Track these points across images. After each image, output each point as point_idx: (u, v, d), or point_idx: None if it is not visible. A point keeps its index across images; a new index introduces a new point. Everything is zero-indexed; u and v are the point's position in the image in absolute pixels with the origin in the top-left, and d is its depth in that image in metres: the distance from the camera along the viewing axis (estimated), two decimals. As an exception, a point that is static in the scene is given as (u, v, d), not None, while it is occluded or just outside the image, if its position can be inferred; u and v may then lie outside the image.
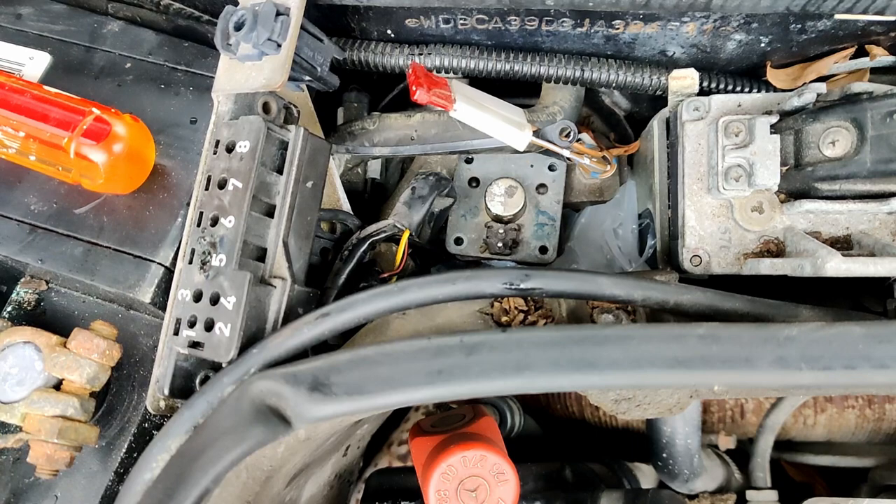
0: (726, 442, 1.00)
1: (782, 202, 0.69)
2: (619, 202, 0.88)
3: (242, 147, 0.64)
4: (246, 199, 0.62)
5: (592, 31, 0.78)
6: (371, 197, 0.96)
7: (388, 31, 0.82)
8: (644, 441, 0.91)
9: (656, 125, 0.81)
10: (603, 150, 0.87)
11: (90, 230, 0.75)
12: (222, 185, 0.64)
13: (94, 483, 0.70)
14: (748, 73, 0.82)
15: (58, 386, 0.68)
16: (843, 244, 0.69)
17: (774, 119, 0.68)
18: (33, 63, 0.84)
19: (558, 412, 1.05)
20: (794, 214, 0.69)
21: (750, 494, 0.92)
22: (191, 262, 0.63)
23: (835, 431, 0.97)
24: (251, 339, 0.61)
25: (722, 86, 0.81)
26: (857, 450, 1.02)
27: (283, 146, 0.66)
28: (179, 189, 0.76)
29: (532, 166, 0.89)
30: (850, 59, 0.76)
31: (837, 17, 0.70)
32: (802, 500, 0.80)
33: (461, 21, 0.78)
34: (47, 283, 0.77)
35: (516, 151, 0.80)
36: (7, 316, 0.75)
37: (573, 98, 0.86)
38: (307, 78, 0.74)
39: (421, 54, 0.81)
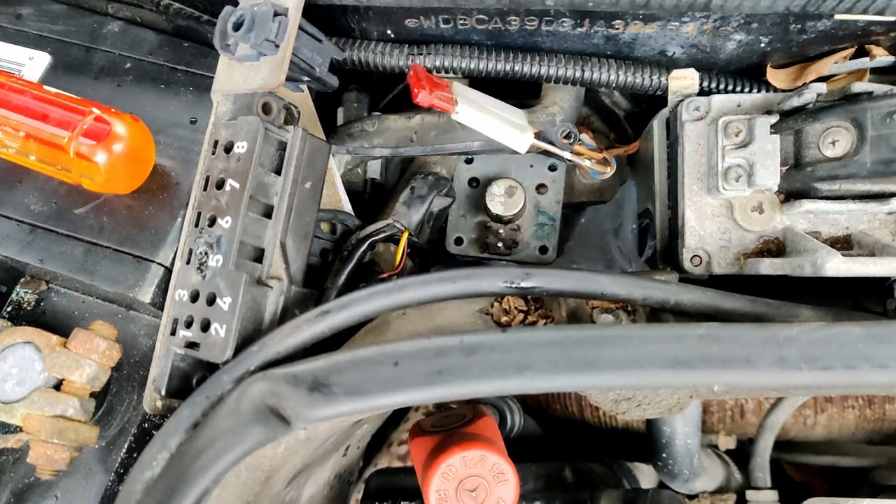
0: (726, 442, 1.00)
1: (782, 202, 0.69)
2: (619, 202, 0.89)
3: (240, 147, 0.63)
4: (243, 199, 0.62)
5: (592, 31, 0.78)
6: (371, 197, 0.96)
7: (388, 31, 0.82)
8: (644, 441, 0.91)
9: (656, 125, 0.81)
10: (603, 151, 0.86)
11: (90, 230, 0.75)
12: (220, 185, 0.63)
13: (94, 483, 0.71)
14: (748, 73, 0.82)
15: (58, 386, 0.68)
16: (843, 244, 0.69)
17: (774, 119, 0.68)
18: (33, 63, 0.84)
19: (558, 412, 1.05)
20: (793, 214, 0.69)
21: (750, 494, 0.92)
22: (188, 263, 0.63)
23: (835, 431, 0.97)
24: (247, 339, 0.61)
25: (722, 86, 0.81)
26: (857, 450, 1.02)
27: (282, 147, 0.66)
28: (179, 189, 0.76)
29: (532, 166, 0.89)
30: (850, 59, 0.76)
31: (837, 17, 0.70)
32: (802, 500, 0.80)
33: (461, 21, 0.78)
34: (47, 283, 0.77)
35: (516, 152, 0.80)
36: (7, 316, 0.75)
37: (573, 98, 0.86)
38: (306, 78, 0.74)
39: (421, 54, 0.81)
